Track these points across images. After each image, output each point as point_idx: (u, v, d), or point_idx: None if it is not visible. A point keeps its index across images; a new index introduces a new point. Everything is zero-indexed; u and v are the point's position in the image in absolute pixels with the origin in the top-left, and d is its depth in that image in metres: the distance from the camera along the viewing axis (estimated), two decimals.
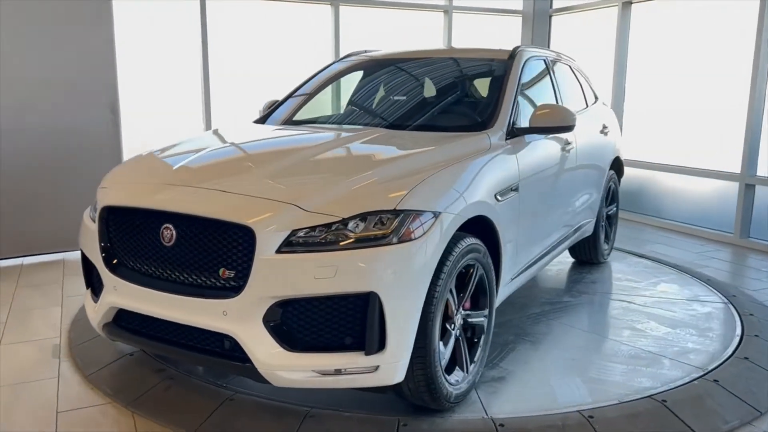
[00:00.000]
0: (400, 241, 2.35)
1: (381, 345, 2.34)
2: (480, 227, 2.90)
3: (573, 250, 4.98)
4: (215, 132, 3.70)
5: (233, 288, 2.36)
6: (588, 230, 4.62)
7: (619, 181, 5.28)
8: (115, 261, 2.70)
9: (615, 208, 5.21)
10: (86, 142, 5.27)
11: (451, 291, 2.63)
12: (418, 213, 2.44)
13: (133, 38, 6.05)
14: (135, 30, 6.08)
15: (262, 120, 3.97)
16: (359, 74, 4.25)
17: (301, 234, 2.33)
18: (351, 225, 2.35)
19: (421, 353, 2.46)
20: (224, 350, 2.43)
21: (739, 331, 3.66)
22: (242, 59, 6.78)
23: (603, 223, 4.96)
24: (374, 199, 2.43)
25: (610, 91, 7.30)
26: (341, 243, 2.32)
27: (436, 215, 2.48)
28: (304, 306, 2.34)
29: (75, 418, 2.78)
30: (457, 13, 7.89)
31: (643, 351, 3.40)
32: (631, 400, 2.85)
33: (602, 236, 4.93)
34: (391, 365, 2.37)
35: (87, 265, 2.93)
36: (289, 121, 3.88)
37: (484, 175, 2.88)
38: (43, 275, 4.80)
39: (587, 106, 4.73)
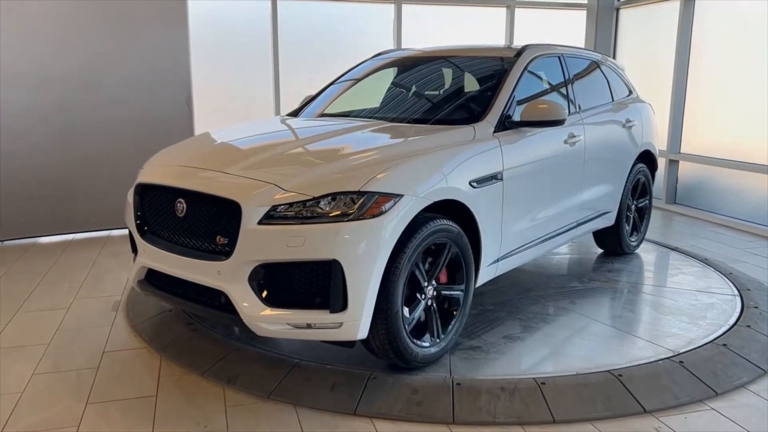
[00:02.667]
0: (360, 218, 2.75)
1: (344, 305, 2.76)
2: (462, 211, 3.24)
3: (597, 239, 5.14)
4: (246, 124, 4.25)
5: (226, 252, 2.86)
6: (608, 220, 4.77)
7: (653, 175, 5.35)
8: (145, 228, 3.29)
9: (647, 201, 5.29)
10: (164, 132, 5.95)
11: (417, 264, 3.00)
12: (382, 195, 2.83)
13: (207, 32, 6.77)
14: (208, 22, 6.78)
15: (295, 113, 4.48)
16: (387, 71, 4.65)
17: (281, 209, 2.79)
18: (323, 203, 2.79)
19: (383, 315, 2.86)
20: (221, 304, 2.94)
21: (732, 321, 3.75)
22: (307, 56, 7.35)
23: (629, 215, 5.07)
24: (344, 182, 2.85)
25: (670, 86, 7.24)
26: (312, 218, 2.76)
27: (399, 197, 2.86)
28: (282, 269, 2.80)
29: (116, 358, 3.41)
30: (519, 9, 8.06)
31: (622, 332, 3.60)
32: (588, 373, 3.09)
33: (626, 227, 5.05)
34: (352, 323, 2.78)
35: (131, 233, 3.55)
36: (320, 115, 4.35)
37: (457, 163, 3.21)
38: (122, 246, 5.58)
39: (612, 100, 4.87)
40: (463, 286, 3.30)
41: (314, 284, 2.78)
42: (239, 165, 3.10)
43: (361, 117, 4.07)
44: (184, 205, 3.02)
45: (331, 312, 2.76)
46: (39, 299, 4.27)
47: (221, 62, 7.07)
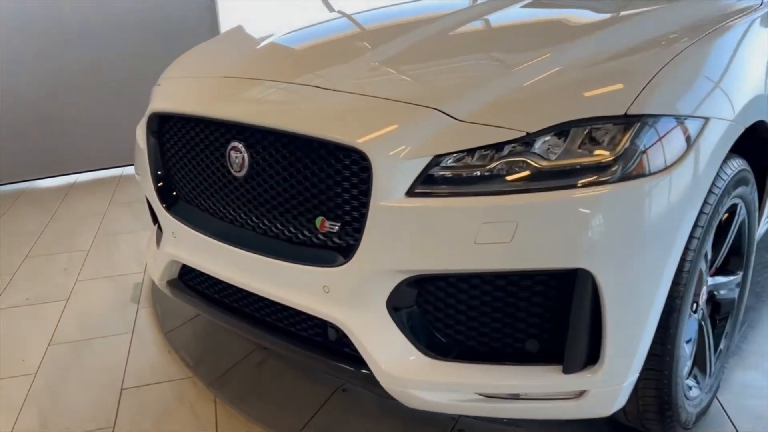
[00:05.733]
0: (633, 176, 1.27)
1: (592, 356, 1.33)
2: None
3: None
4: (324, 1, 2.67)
5: (339, 249, 1.42)
6: None
7: None
8: (174, 193, 1.84)
9: None
10: (183, 36, 4.46)
11: (705, 255, 1.54)
12: (668, 120, 1.32)
13: None
14: None
15: None
16: None
17: (450, 162, 1.31)
18: (539, 146, 1.29)
19: (655, 363, 1.43)
20: (328, 344, 1.53)
21: None
22: None
23: None
24: (580, 98, 1.34)
25: None
26: (524, 180, 1.27)
27: (703, 122, 1.36)
28: (458, 286, 1.36)
29: (141, 402, 2.06)
30: None
31: None
32: None
33: None
34: (608, 389, 1.36)
35: (149, 201, 2.11)
36: None
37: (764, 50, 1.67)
38: (138, 191, 4.18)
39: None
40: (738, 277, 1.84)
41: (529, 316, 1.34)
42: (346, 73, 1.58)
43: None
44: (244, 154, 1.54)
45: (566, 371, 1.34)
46: (26, 285, 2.93)
47: None
